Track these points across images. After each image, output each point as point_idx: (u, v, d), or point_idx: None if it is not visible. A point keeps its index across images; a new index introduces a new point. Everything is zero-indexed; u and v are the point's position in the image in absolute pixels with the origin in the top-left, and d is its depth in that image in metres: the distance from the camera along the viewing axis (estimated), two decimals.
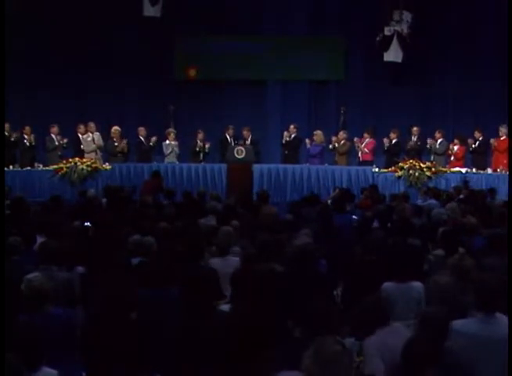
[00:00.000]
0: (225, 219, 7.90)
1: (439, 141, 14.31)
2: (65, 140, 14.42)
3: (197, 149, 14.63)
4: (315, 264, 5.88)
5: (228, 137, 14.81)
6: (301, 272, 5.56)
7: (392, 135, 14.50)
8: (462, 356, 3.65)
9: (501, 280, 4.23)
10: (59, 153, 14.35)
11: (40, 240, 6.59)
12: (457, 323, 4.05)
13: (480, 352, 3.89)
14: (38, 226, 7.12)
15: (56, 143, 14.37)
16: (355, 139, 14.55)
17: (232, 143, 14.40)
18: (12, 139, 14.23)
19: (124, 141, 14.50)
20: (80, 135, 14.58)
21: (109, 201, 10.05)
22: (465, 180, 12.52)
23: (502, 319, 4.08)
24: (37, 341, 3.78)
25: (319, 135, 14.48)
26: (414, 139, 14.47)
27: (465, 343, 3.87)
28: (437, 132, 14.41)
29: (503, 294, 4.08)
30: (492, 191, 11.30)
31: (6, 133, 14.14)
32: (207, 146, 14.66)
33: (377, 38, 15.43)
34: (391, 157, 14.34)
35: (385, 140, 14.52)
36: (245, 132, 14.76)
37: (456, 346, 3.63)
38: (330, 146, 14.63)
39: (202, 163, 14.28)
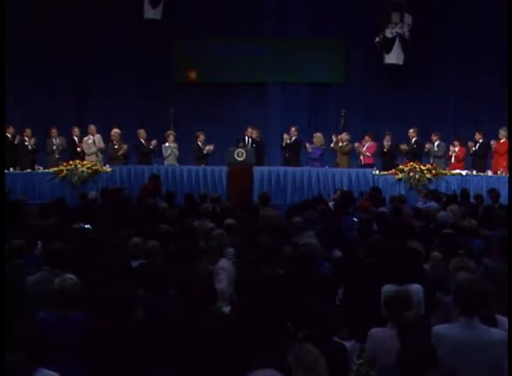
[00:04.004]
0: (221, 221, 7.92)
1: (436, 143, 14.27)
2: (61, 142, 14.43)
3: (205, 152, 14.56)
4: (317, 266, 5.89)
5: (246, 139, 14.64)
6: (301, 274, 5.57)
7: (387, 137, 14.47)
8: (446, 361, 3.66)
9: (482, 284, 4.20)
10: (57, 155, 14.35)
11: (41, 243, 6.61)
12: (440, 328, 4.06)
13: (462, 357, 3.89)
14: (40, 229, 7.13)
15: (54, 147, 14.39)
16: (356, 145, 14.53)
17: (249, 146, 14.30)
18: (16, 143, 14.26)
19: (124, 147, 14.49)
20: (75, 138, 14.59)
21: (107, 203, 10.04)
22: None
23: (484, 324, 4.05)
24: (35, 342, 3.77)
25: (318, 137, 14.47)
26: (412, 141, 14.44)
27: (448, 348, 3.87)
28: (433, 135, 14.37)
29: (485, 298, 4.05)
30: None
31: (9, 135, 14.18)
32: (208, 147, 14.59)
33: (376, 39, 15.43)
34: (389, 159, 14.33)
35: (385, 142, 14.51)
36: (254, 133, 14.66)
37: (440, 351, 3.63)
38: (332, 145, 14.61)
39: (202, 165, 14.21)
